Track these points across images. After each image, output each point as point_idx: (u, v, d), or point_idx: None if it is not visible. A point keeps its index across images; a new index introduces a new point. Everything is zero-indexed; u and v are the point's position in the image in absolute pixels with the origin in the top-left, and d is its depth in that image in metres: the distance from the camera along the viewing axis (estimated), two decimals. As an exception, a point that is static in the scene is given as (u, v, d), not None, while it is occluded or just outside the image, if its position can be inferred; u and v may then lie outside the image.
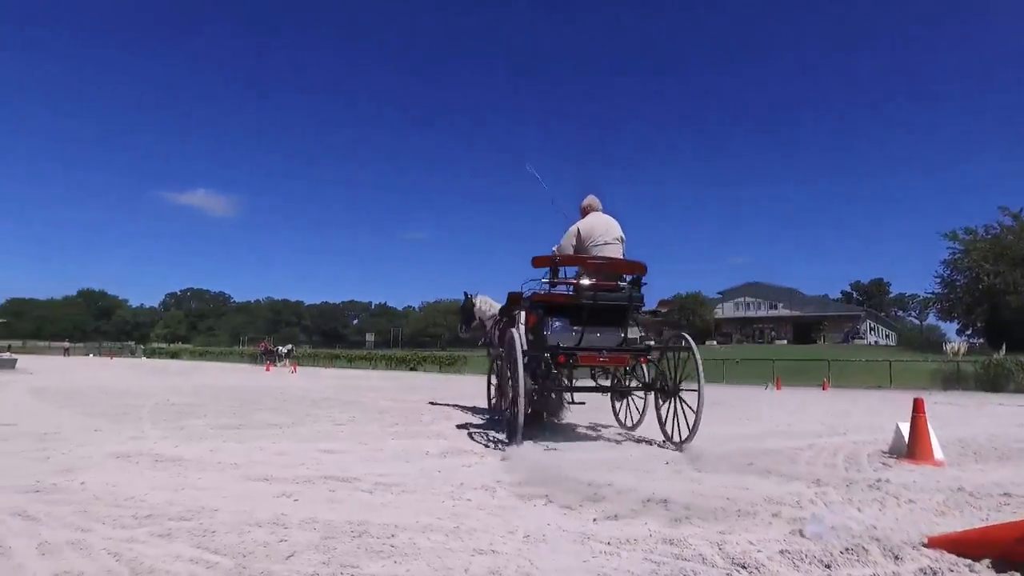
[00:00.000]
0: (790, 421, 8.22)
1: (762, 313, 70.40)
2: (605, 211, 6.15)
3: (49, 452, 4.39)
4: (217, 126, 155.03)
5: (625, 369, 6.02)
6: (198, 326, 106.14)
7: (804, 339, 62.03)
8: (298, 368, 31.35)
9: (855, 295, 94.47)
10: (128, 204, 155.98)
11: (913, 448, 4.72)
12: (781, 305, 69.33)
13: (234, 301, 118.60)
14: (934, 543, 2.35)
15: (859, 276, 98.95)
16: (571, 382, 5.91)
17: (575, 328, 5.53)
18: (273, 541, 2.38)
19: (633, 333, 5.79)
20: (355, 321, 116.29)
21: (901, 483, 3.69)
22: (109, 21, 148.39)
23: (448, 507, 3.03)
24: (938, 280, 36.77)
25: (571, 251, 5.84)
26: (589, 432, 6.41)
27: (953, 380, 19.19)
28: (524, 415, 5.08)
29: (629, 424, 6.60)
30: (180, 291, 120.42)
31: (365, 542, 2.39)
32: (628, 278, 5.78)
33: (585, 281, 5.51)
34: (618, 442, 5.77)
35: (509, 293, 6.18)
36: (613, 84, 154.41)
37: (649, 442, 5.61)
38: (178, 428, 5.95)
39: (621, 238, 5.94)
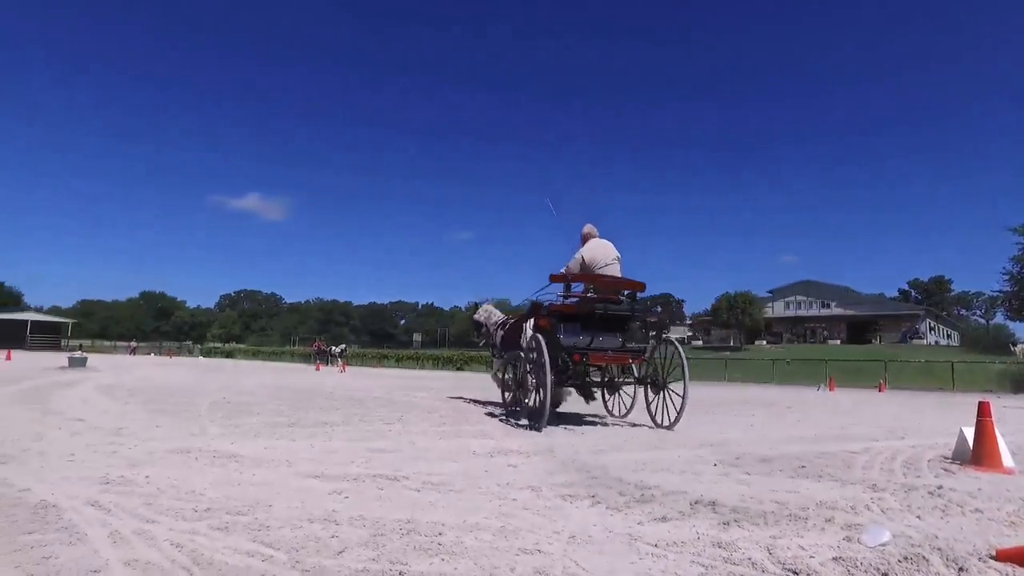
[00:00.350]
0: (844, 423, 7.95)
1: (814, 312, 68.18)
2: (603, 235, 7.22)
3: (116, 447, 4.61)
4: (270, 132, 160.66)
5: (622, 367, 7.18)
6: (251, 326, 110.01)
7: (858, 339, 59.79)
8: (347, 368, 32.11)
9: (914, 293, 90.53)
10: (187, 210, 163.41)
11: (979, 454, 4.48)
12: (834, 304, 67.00)
13: (285, 302, 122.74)
14: (1004, 556, 2.23)
15: (918, 274, 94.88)
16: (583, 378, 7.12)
17: (584, 333, 6.59)
18: (325, 537, 2.45)
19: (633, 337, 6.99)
20: (403, 321, 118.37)
21: (966, 491, 3.53)
22: (168, 34, 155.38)
23: (494, 506, 3.05)
24: (1006, 277, 34.69)
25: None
26: (595, 420, 7.43)
27: (1024, 382, 18.18)
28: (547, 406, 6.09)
29: (617, 413, 7.87)
30: (234, 292, 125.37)
31: (413, 540, 2.43)
32: (627, 292, 6.99)
33: (592, 295, 6.75)
34: (621, 425, 6.58)
35: (531, 302, 7.29)
36: (666, 90, 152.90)
37: (696, 444, 5.52)
38: (234, 426, 6.17)
39: (618, 258, 7.05)
